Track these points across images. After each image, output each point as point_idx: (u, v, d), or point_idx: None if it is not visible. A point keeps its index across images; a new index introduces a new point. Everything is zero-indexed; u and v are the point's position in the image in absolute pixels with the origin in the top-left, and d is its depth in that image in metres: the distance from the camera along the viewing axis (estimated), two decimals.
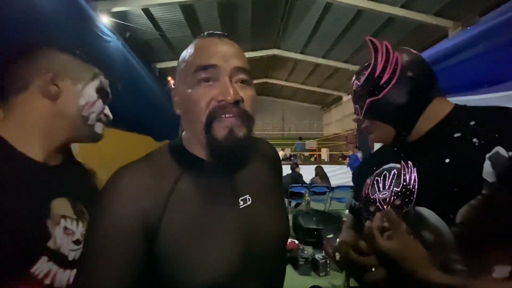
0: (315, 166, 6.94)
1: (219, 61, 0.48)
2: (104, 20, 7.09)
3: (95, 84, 0.70)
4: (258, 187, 0.57)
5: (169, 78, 13.28)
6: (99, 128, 0.73)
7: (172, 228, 0.46)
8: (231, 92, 0.46)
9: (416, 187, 0.59)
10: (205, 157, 0.51)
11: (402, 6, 6.98)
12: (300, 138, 13.77)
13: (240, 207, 0.53)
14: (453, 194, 0.53)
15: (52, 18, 0.86)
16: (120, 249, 0.43)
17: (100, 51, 1.30)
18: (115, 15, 7.40)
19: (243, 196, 0.54)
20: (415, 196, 0.59)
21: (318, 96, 16.80)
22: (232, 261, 0.48)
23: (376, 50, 0.64)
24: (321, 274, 2.82)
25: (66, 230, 0.62)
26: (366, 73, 0.64)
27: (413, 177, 0.60)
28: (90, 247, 0.44)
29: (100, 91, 0.71)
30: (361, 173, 0.79)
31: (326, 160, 13.12)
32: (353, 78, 0.70)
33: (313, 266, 2.91)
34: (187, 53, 0.52)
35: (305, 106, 19.20)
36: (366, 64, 0.66)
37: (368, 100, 0.64)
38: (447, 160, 0.56)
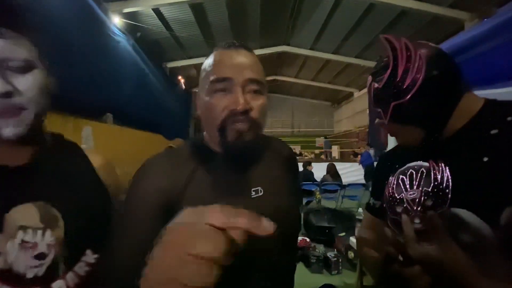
0: (327, 163, 6.87)
1: (233, 73, 0.54)
2: (116, 21, 7.21)
3: None
4: (270, 181, 0.62)
5: (180, 77, 13.37)
6: None
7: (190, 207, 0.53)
8: (241, 102, 0.52)
9: (450, 187, 0.56)
10: (222, 151, 0.58)
11: None
12: (326, 137, 14.51)
13: (252, 197, 0.59)
14: (496, 194, 0.50)
15: (66, 21, 0.88)
16: (144, 217, 0.52)
17: (111, 51, 1.32)
18: (127, 15, 7.52)
19: (255, 187, 0.60)
20: (449, 196, 0.55)
21: (329, 93, 16.59)
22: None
23: (394, 49, 0.59)
24: (333, 273, 2.80)
25: (24, 244, 0.52)
26: (386, 75, 0.59)
27: (445, 177, 0.57)
28: (122, 218, 0.55)
29: None
30: (380, 170, 0.76)
31: (337, 157, 12.99)
32: (369, 80, 0.66)
33: (325, 265, 2.89)
34: (207, 63, 0.59)
35: (315, 103, 19.00)
36: (382, 64, 0.62)
37: (392, 104, 0.60)
38: (485, 159, 0.53)
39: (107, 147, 7.52)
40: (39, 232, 0.54)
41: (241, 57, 0.56)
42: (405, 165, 0.67)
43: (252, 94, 0.55)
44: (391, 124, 0.63)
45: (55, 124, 5.41)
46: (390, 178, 0.67)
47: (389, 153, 0.81)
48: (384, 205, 0.68)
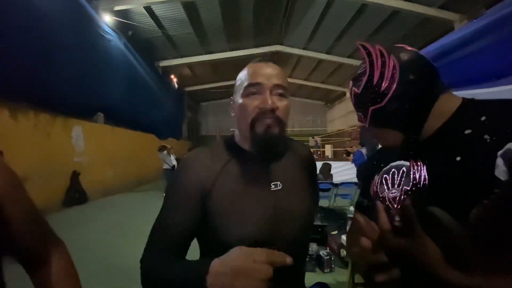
0: (322, 162, 6.91)
1: (263, 80, 0.67)
2: (107, 19, 7.10)
3: None
4: (289, 177, 0.74)
5: (172, 76, 13.17)
6: None
7: (219, 194, 0.67)
8: (269, 102, 0.65)
9: (426, 186, 0.58)
10: (249, 149, 0.72)
11: None
12: (313, 137, 15.10)
13: (272, 189, 0.70)
14: (466, 193, 0.51)
15: (55, 19, 0.87)
16: (185, 200, 0.67)
17: (102, 50, 1.30)
18: (118, 13, 7.40)
19: (275, 181, 0.71)
20: (425, 195, 0.57)
21: (322, 92, 16.71)
22: (261, 224, 0.67)
23: (369, 55, 0.61)
24: (325, 271, 2.82)
25: None
26: (364, 80, 0.62)
27: (423, 176, 0.59)
28: (168, 197, 0.69)
29: None
30: (368, 169, 0.78)
31: (330, 156, 13.10)
32: (350, 84, 0.68)
33: (318, 263, 2.91)
34: (242, 73, 0.72)
35: (308, 103, 19.11)
36: (361, 70, 0.64)
37: (371, 109, 0.62)
38: (458, 158, 0.54)
39: (98, 147, 7.42)
40: None
41: (269, 68, 0.70)
42: (389, 164, 0.69)
43: (278, 97, 0.68)
44: (371, 127, 0.65)
45: (44, 123, 5.30)
46: (376, 177, 0.69)
47: (376, 153, 0.83)
48: (369, 204, 0.69)
